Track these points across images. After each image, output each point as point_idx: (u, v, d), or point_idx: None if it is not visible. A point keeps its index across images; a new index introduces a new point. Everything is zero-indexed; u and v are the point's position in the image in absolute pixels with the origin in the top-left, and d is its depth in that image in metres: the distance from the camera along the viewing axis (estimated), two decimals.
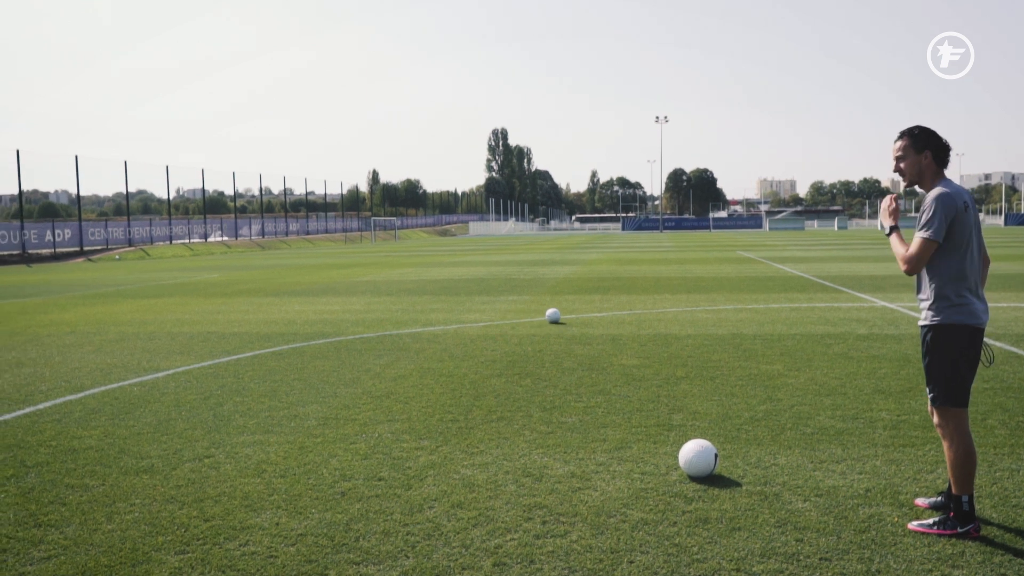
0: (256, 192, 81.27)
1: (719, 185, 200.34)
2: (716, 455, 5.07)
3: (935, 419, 4.32)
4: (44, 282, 26.30)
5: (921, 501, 4.62)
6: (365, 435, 6.22)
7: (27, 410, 7.37)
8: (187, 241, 58.44)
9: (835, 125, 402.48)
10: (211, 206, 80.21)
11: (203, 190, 66.59)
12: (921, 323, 4.33)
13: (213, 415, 6.98)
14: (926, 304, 4.29)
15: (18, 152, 44.12)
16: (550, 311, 12.85)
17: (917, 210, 4.43)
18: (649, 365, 8.87)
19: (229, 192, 72.47)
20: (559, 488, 4.93)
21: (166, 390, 8.08)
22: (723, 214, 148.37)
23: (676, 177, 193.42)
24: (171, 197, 64.18)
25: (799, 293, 16.97)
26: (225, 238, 63.38)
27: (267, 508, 4.69)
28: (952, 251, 4.16)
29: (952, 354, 4.20)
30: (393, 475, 5.24)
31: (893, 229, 4.32)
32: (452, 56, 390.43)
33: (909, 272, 4.16)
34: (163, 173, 59.83)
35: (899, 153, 4.34)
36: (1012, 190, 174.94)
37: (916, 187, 4.38)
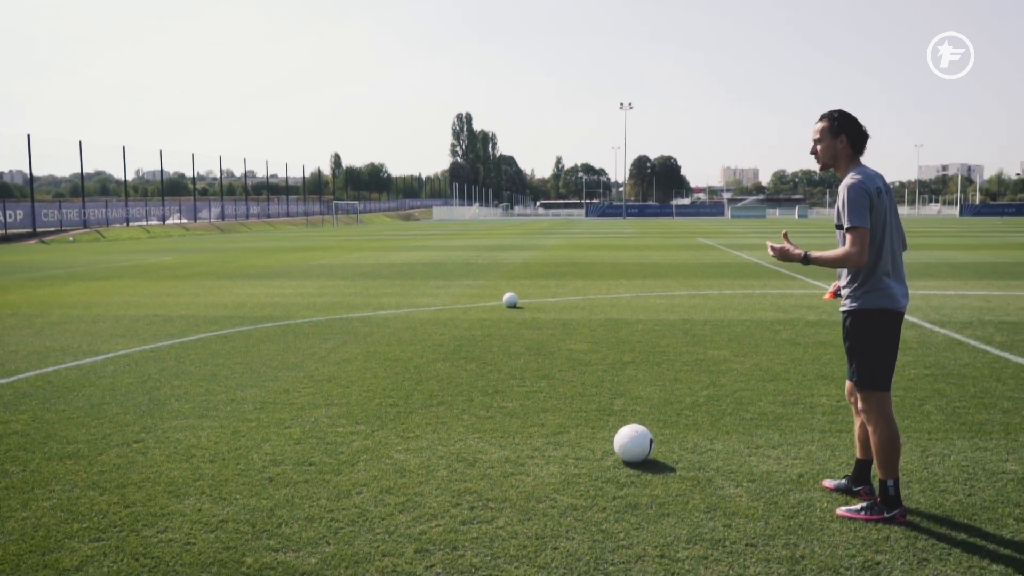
0: (217, 174, 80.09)
1: (683, 172, 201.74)
2: (651, 440, 5.04)
3: (859, 404, 4.32)
4: None
5: (828, 483, 4.64)
6: (301, 420, 6.11)
7: None
8: (144, 223, 57.46)
9: (798, 115, 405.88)
10: (171, 188, 78.89)
11: (161, 171, 65.47)
12: (842, 309, 4.32)
13: (148, 399, 6.82)
14: (846, 290, 4.29)
15: None
16: (508, 295, 12.77)
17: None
18: (597, 350, 8.84)
19: (190, 174, 71.23)
20: (491, 473, 4.87)
21: (103, 374, 7.89)
22: (686, 201, 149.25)
23: (640, 164, 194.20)
24: (131, 179, 63.10)
25: (754, 280, 17.08)
26: (184, 221, 62.42)
27: (191, 494, 4.57)
28: (870, 236, 4.13)
29: (873, 338, 4.20)
30: (324, 460, 5.14)
31: (805, 255, 4.19)
32: (417, 40, 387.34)
33: (860, 265, 4.05)
34: (122, 154, 58.60)
35: (816, 136, 4.33)
36: (968, 181, 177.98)
37: (831, 170, 4.37)
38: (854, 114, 4.29)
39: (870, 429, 4.23)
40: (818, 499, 4.45)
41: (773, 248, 4.26)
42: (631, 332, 10.06)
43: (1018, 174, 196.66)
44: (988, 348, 8.83)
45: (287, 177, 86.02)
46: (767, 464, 5.02)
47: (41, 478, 4.89)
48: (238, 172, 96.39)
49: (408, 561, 3.69)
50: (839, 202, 4.17)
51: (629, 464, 5.01)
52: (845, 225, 4.07)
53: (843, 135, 4.24)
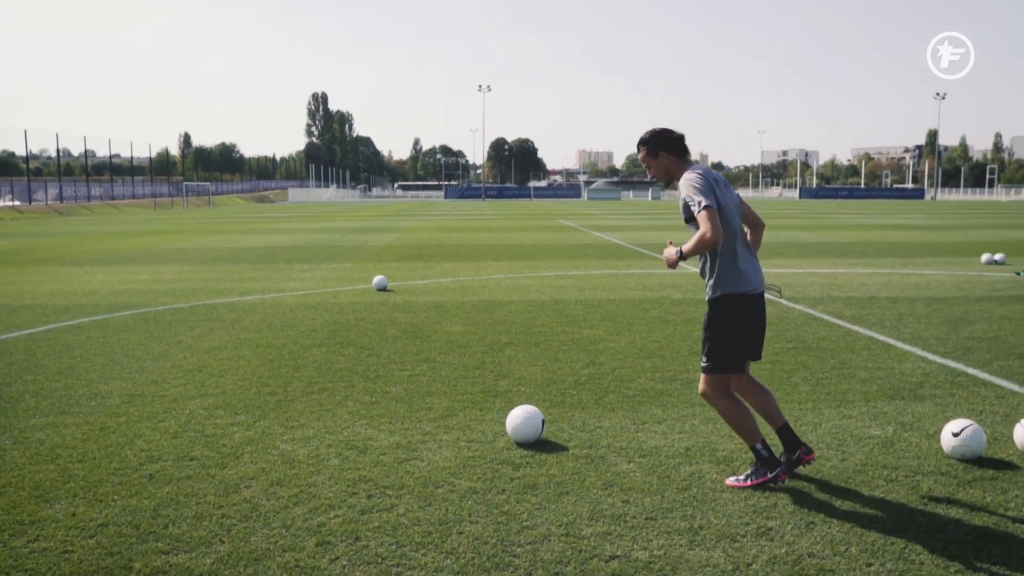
0: (52, 153, 75.06)
1: (540, 155, 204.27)
2: (543, 420, 5.07)
3: (701, 387, 4.48)
4: None
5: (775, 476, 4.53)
6: (175, 412, 5.79)
7: None
8: None
9: (652, 98, 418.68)
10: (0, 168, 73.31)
11: None
12: (707, 297, 4.43)
13: None
14: (707, 279, 4.41)
15: None
16: (377, 278, 12.58)
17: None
18: (474, 332, 8.82)
19: (20, 152, 66.36)
20: (384, 460, 4.77)
21: None
22: (543, 183, 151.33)
23: (498, 146, 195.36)
24: None
25: (618, 260, 17.49)
26: (16, 203, 58.19)
27: (62, 498, 4.25)
28: None
29: (729, 323, 4.35)
30: (206, 454, 4.90)
31: (679, 251, 4.27)
32: (271, 16, 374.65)
33: (718, 240, 4.12)
34: None
35: (644, 163, 4.52)
36: (805, 166, 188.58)
37: (674, 181, 4.51)
38: (662, 125, 4.51)
39: (718, 410, 4.43)
40: (707, 471, 4.59)
41: (666, 261, 4.36)
42: (505, 313, 10.10)
43: (849, 160, 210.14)
44: (840, 322, 9.37)
45: (132, 157, 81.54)
46: (655, 439, 5.14)
47: None
48: (76, 151, 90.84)
49: (310, 555, 3.56)
50: (683, 198, 4.30)
51: (522, 445, 5.02)
52: (695, 211, 4.18)
53: (661, 151, 4.43)
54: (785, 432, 4.53)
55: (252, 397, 6.19)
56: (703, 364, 4.42)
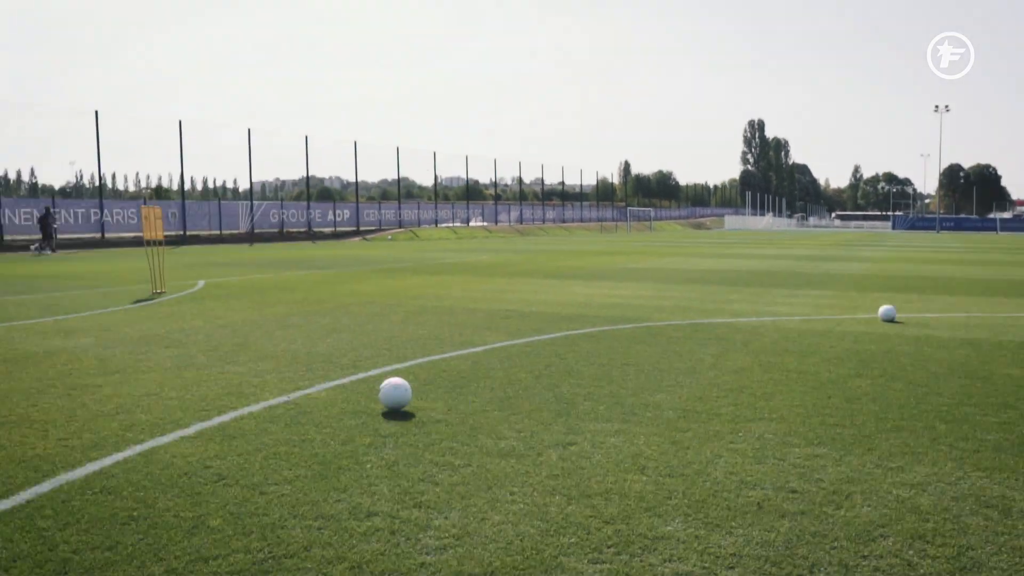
0: (508, 182, 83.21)
1: (1003, 183, 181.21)
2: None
3: None
4: (330, 256, 27.88)
5: None
6: (742, 434, 5.34)
7: (358, 376, 7.20)
8: (451, 224, 60.74)
9: None
10: (467, 194, 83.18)
11: (467, 175, 69.04)
12: None
13: (553, 396, 6.40)
14: None
15: (307, 138, 47.50)
16: (885, 307, 11.35)
17: None
18: None
19: (483, 181, 74.63)
20: None
21: (491, 365, 7.67)
22: (1007, 215, 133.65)
23: (952, 173, 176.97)
24: (427, 184, 67.13)
25: None
26: (485, 223, 65.30)
27: (672, 515, 3.92)
28: None
29: None
30: (806, 487, 4.32)
31: None
32: (705, 44, 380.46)
33: None
34: (423, 160, 62.37)
35: None
36: None
37: None
38: None
39: None
40: None
41: None
42: None
43: None
44: None
45: (581, 184, 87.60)
46: None
47: (491, 476, 4.50)
48: (528, 179, 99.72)
49: None
50: None
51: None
52: None
53: None
54: None
55: (817, 426, 5.53)
56: None
